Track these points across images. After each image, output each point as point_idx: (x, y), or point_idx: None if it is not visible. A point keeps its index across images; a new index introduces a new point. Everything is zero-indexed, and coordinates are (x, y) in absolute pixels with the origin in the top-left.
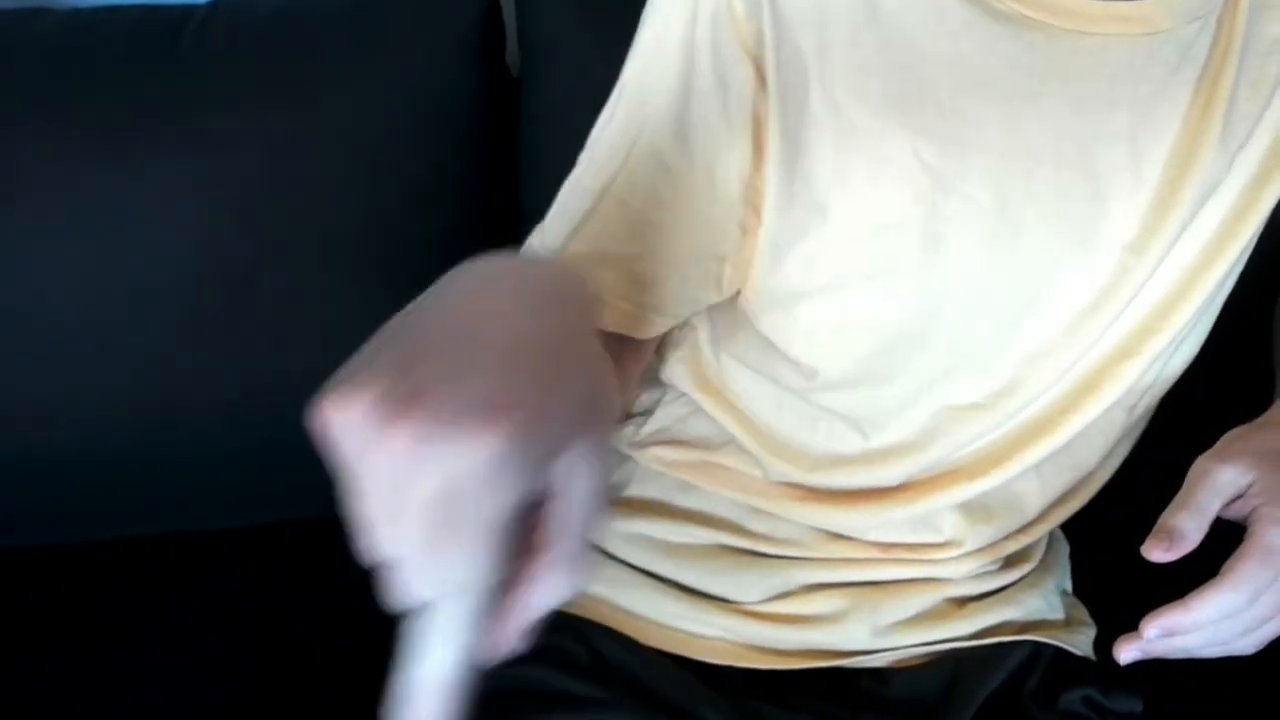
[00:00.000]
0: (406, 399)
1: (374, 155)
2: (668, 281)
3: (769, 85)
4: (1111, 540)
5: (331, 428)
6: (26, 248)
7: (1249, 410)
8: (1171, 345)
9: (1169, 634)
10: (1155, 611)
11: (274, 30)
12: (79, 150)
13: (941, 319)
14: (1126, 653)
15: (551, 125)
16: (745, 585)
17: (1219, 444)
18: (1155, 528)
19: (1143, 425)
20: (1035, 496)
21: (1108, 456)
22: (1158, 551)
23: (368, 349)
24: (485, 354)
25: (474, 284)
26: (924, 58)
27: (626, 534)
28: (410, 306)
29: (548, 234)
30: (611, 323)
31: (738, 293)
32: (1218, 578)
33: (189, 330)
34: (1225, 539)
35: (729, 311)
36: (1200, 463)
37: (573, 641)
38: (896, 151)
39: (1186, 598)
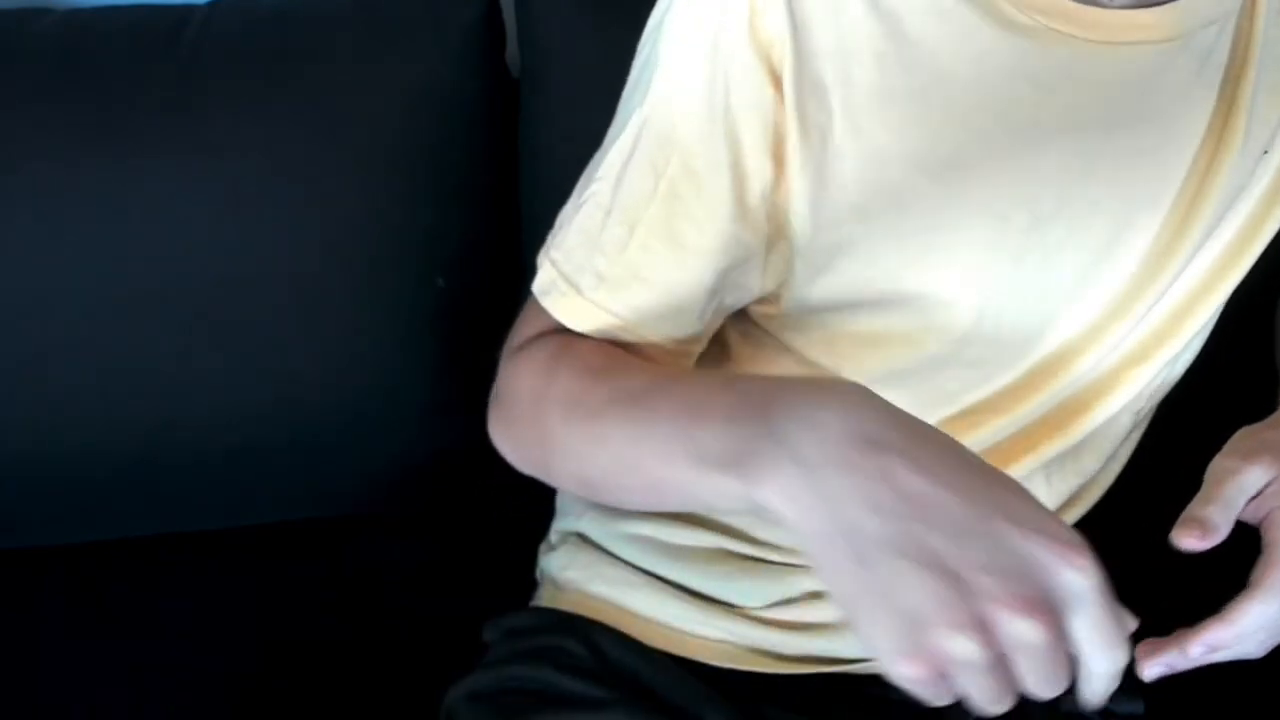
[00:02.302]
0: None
1: (374, 155)
2: (702, 304)
3: (788, 111)
4: (1115, 541)
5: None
6: (26, 247)
7: (1249, 412)
8: (1184, 350)
9: (1213, 650)
10: (1195, 629)
11: (274, 30)
12: (79, 150)
13: (967, 335)
14: (1151, 669)
15: (551, 125)
16: (748, 590)
17: (1233, 441)
18: (1184, 518)
19: (1142, 429)
20: (1043, 501)
21: (1110, 460)
22: (1190, 540)
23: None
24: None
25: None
26: (950, 81)
27: (630, 535)
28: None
29: (572, 260)
30: (659, 358)
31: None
32: (1249, 589)
33: (188, 330)
34: (1230, 541)
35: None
36: (1223, 461)
37: (575, 642)
38: (925, 178)
39: (1223, 612)
